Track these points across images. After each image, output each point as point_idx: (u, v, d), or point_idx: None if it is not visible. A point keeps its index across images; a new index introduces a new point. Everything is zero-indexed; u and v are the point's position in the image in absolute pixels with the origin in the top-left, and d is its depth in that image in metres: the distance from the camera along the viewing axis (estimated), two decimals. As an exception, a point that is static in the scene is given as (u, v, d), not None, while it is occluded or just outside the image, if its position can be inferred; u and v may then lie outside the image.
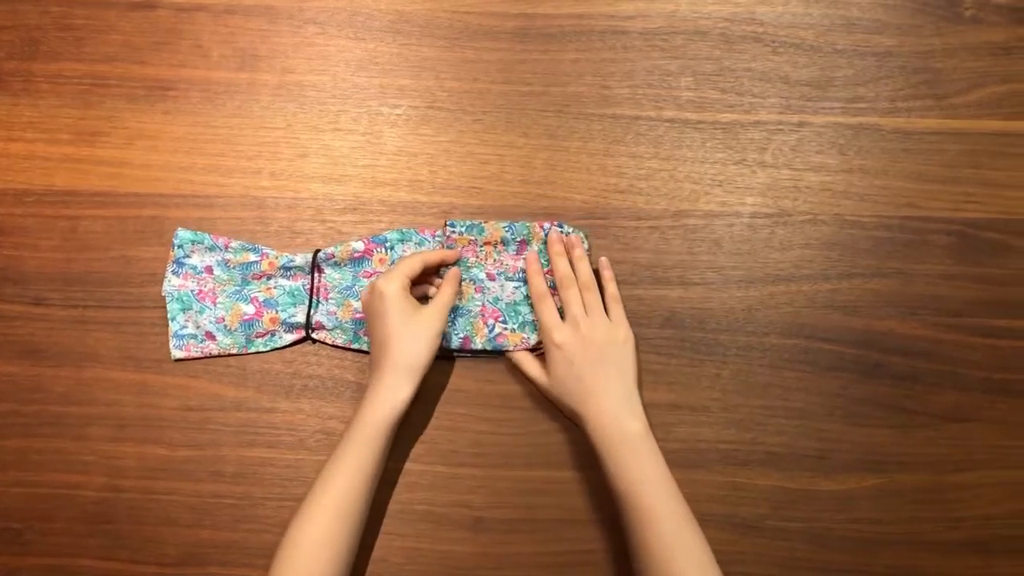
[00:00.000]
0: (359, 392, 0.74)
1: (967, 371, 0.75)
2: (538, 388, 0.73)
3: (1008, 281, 0.76)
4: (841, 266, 0.77)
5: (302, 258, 0.75)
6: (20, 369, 0.75)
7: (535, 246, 0.76)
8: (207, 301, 0.74)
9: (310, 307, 0.75)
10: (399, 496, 0.72)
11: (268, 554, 0.71)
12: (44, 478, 0.73)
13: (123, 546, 0.72)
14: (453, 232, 0.75)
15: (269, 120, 0.79)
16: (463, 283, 0.75)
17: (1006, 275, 0.77)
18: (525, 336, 0.75)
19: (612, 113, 0.79)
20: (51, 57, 0.79)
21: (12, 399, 0.74)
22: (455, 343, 0.74)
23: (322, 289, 0.75)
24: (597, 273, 0.75)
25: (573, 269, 0.74)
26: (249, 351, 0.75)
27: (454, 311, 0.75)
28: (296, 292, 0.75)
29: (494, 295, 0.75)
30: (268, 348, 0.75)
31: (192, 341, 0.74)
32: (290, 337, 0.75)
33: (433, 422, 0.74)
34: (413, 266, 0.71)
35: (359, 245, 0.75)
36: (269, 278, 0.75)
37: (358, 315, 0.75)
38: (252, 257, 0.75)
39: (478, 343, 0.74)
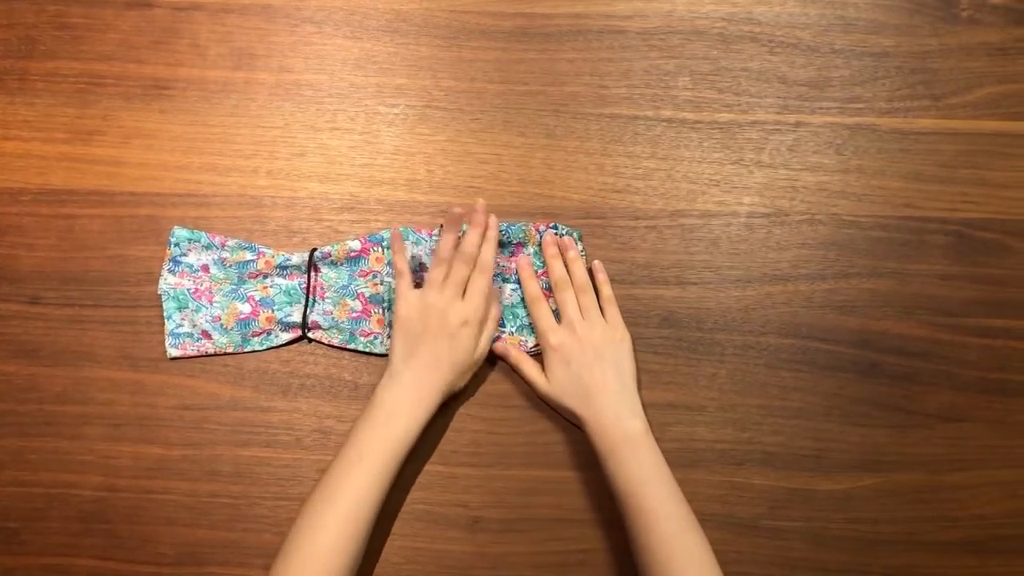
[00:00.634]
0: (356, 391, 0.74)
1: (964, 371, 0.75)
2: (536, 391, 0.73)
3: (1005, 281, 0.77)
4: (838, 266, 0.77)
5: (298, 257, 0.75)
6: (16, 368, 0.75)
7: (530, 248, 0.76)
8: (203, 300, 0.74)
9: (306, 306, 0.74)
10: (397, 495, 0.72)
11: (265, 553, 0.71)
12: (40, 477, 0.73)
13: (120, 546, 0.72)
14: (448, 234, 0.76)
15: (266, 119, 0.78)
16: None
17: (1003, 275, 0.77)
18: (523, 339, 0.75)
19: (609, 113, 0.79)
20: (47, 56, 0.79)
21: (8, 398, 0.74)
22: None
23: (318, 288, 0.75)
24: (592, 275, 0.75)
25: (568, 271, 0.74)
26: (245, 350, 0.75)
27: None
28: (292, 291, 0.75)
29: (491, 295, 0.75)
30: (264, 347, 0.75)
31: (188, 340, 0.74)
32: (286, 336, 0.75)
33: (431, 422, 0.74)
34: (488, 287, 0.71)
35: (356, 244, 0.75)
36: (265, 277, 0.75)
37: (354, 315, 0.75)
38: (249, 256, 0.75)
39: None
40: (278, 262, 0.75)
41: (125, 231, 0.76)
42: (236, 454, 0.73)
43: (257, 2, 0.81)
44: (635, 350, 0.73)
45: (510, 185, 0.78)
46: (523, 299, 0.75)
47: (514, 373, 0.74)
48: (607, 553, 0.71)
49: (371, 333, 0.74)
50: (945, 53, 0.80)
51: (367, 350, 0.74)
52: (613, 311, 0.73)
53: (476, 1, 0.81)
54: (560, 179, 0.78)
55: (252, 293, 0.75)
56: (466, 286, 0.71)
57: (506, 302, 0.75)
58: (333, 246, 0.75)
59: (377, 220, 0.77)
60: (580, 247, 0.76)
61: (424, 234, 0.76)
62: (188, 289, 0.74)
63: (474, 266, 0.71)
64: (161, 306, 0.74)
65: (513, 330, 0.75)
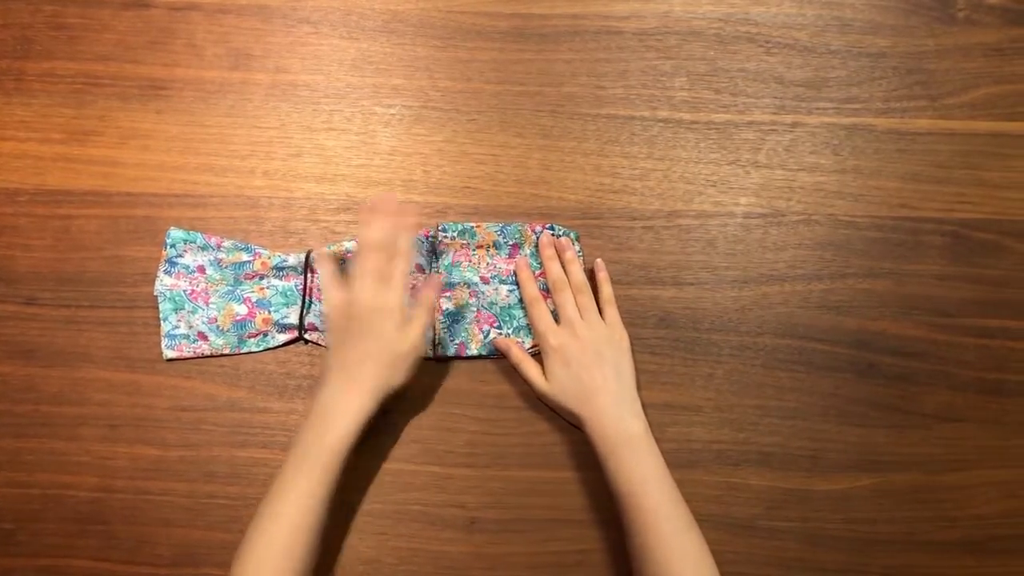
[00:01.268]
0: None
1: (961, 371, 0.75)
2: (536, 392, 0.73)
3: (1001, 281, 0.77)
4: (835, 266, 0.77)
5: (295, 258, 0.75)
6: (12, 369, 0.74)
7: (527, 249, 0.76)
8: (199, 301, 0.74)
9: (303, 308, 0.74)
10: (393, 496, 0.72)
11: (261, 555, 0.71)
12: (36, 478, 0.73)
13: (116, 547, 0.72)
14: (445, 236, 0.75)
15: (262, 120, 0.78)
16: (457, 288, 0.75)
17: (999, 275, 0.77)
18: (520, 340, 0.75)
19: (606, 113, 0.79)
20: (44, 56, 0.79)
21: (4, 399, 0.74)
22: (451, 350, 0.74)
23: (315, 290, 0.75)
24: (592, 275, 0.75)
25: (565, 272, 0.74)
26: (242, 351, 0.74)
27: (449, 317, 0.75)
28: (289, 292, 0.75)
29: (488, 299, 0.75)
30: (260, 348, 0.74)
31: (184, 341, 0.74)
32: (283, 338, 0.74)
33: (427, 422, 0.74)
34: (406, 276, 0.69)
35: (352, 245, 0.75)
36: (262, 278, 0.75)
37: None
38: (245, 257, 0.75)
39: (473, 349, 0.74)
40: (274, 263, 0.75)
41: (121, 232, 0.76)
42: (233, 455, 0.73)
43: (254, 2, 0.80)
44: (633, 351, 0.73)
45: (507, 186, 0.78)
46: (520, 300, 0.75)
47: (511, 374, 0.74)
48: (604, 553, 0.71)
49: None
50: (942, 54, 0.80)
51: (364, 351, 0.74)
52: (612, 311, 0.73)
53: (472, 1, 0.81)
54: (557, 179, 0.78)
55: (248, 295, 0.75)
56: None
57: (503, 303, 0.75)
58: (329, 247, 0.75)
59: (374, 221, 0.77)
60: (577, 247, 0.76)
61: (420, 235, 0.76)
62: (184, 291, 0.74)
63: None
64: (157, 307, 0.74)
65: (510, 331, 0.75)
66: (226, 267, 0.75)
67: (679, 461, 0.73)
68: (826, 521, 0.73)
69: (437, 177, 0.78)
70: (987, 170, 0.78)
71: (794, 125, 0.79)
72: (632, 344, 0.73)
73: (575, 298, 0.73)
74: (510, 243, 0.76)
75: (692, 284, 0.76)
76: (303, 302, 0.74)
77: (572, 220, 0.77)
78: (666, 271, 0.76)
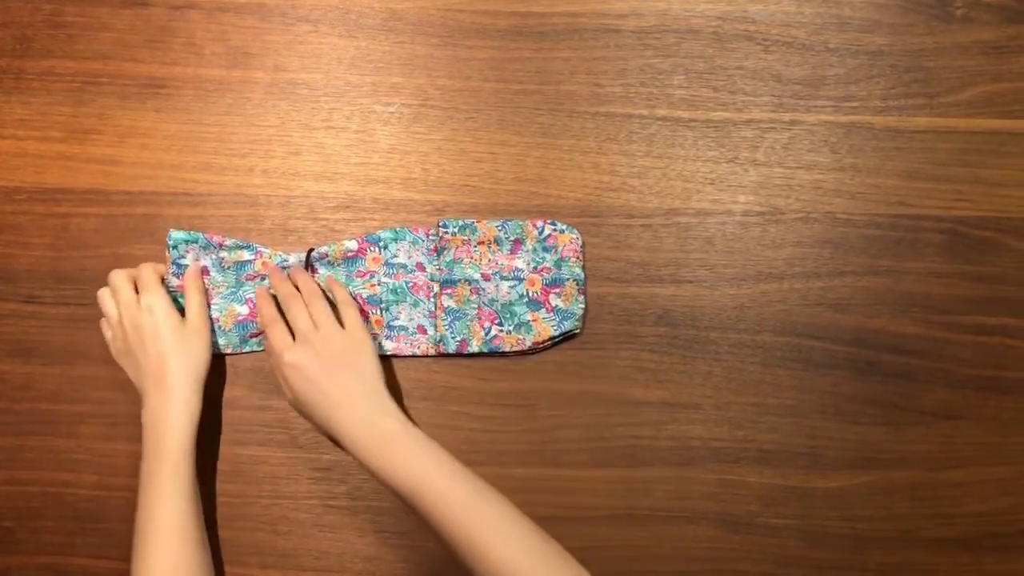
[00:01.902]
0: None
1: (958, 368, 0.75)
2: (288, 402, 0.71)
3: (999, 279, 0.77)
4: (833, 264, 0.77)
5: (295, 257, 0.75)
6: (11, 367, 0.75)
7: (529, 244, 0.76)
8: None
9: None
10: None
11: (261, 552, 0.71)
12: (36, 476, 0.73)
13: (115, 544, 0.72)
14: (446, 232, 0.75)
15: (261, 118, 0.78)
16: (459, 285, 0.75)
17: (997, 273, 0.77)
18: (521, 337, 0.75)
19: (605, 111, 0.79)
20: (43, 54, 0.79)
21: (4, 397, 0.74)
22: (452, 347, 0.74)
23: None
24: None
25: (296, 285, 0.72)
26: (244, 351, 0.75)
27: (451, 314, 0.75)
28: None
29: (489, 296, 0.75)
30: (262, 348, 0.75)
31: None
32: None
33: (426, 420, 0.74)
34: (159, 274, 0.72)
35: (353, 244, 0.75)
36: (263, 279, 0.75)
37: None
38: (246, 255, 0.75)
39: (475, 346, 0.75)
40: (275, 262, 0.75)
41: (121, 230, 0.76)
42: (232, 453, 0.73)
43: (252, 1, 0.80)
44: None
45: (506, 184, 0.78)
46: (522, 296, 0.75)
47: (509, 371, 0.75)
48: (603, 551, 0.71)
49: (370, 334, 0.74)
50: (940, 51, 0.80)
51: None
52: (351, 313, 0.70)
53: (471, 0, 0.81)
54: (556, 178, 0.78)
55: (250, 295, 0.75)
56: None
57: (503, 300, 0.75)
58: (330, 246, 0.75)
59: (373, 219, 0.77)
60: (580, 243, 0.76)
61: (420, 234, 0.76)
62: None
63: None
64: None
65: (511, 329, 0.75)
66: (228, 268, 0.75)
67: (677, 459, 0.73)
68: (824, 518, 0.73)
69: (436, 175, 0.78)
70: (985, 168, 0.78)
71: (792, 123, 0.79)
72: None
73: (308, 309, 0.70)
74: (512, 238, 0.76)
75: (690, 282, 0.76)
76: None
77: (571, 218, 0.77)
78: (664, 269, 0.76)
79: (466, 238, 0.76)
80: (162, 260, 0.75)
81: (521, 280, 0.76)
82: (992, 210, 0.78)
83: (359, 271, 0.75)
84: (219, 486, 0.72)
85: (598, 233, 0.77)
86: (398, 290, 0.75)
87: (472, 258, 0.76)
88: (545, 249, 0.76)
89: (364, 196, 0.77)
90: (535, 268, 0.76)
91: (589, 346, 0.75)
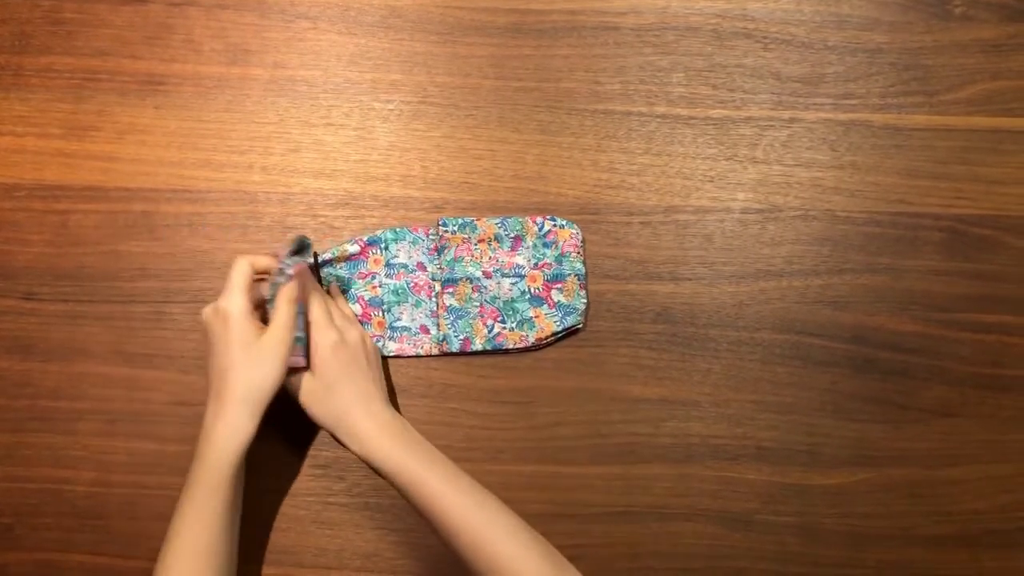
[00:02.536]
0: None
1: (957, 366, 0.75)
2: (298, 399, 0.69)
3: (998, 277, 0.77)
4: (832, 262, 0.77)
5: (300, 258, 0.74)
6: (10, 364, 0.74)
7: (529, 241, 0.76)
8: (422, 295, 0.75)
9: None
10: (391, 490, 0.72)
11: (260, 549, 0.71)
12: (34, 473, 0.73)
13: (113, 541, 0.72)
14: (446, 231, 0.75)
15: (261, 115, 0.78)
16: (460, 283, 0.75)
17: (996, 271, 0.77)
18: (524, 334, 0.75)
19: (604, 109, 0.79)
20: (42, 51, 0.79)
21: (2, 394, 0.74)
22: (455, 345, 0.74)
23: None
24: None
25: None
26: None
27: (453, 313, 0.75)
28: (400, 291, 0.75)
29: (491, 293, 0.75)
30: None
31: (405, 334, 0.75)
32: (393, 347, 0.75)
33: (425, 417, 0.74)
34: (247, 275, 0.66)
35: (354, 248, 0.75)
36: (374, 276, 0.75)
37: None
38: (350, 249, 0.75)
39: (478, 344, 0.75)
40: (386, 260, 0.75)
41: (119, 227, 0.76)
42: (230, 449, 0.73)
43: (252, -2, 0.81)
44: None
45: (505, 181, 0.78)
46: (523, 292, 0.75)
47: (508, 369, 0.75)
48: (601, 548, 0.71)
49: (372, 336, 0.74)
50: (939, 49, 0.80)
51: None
52: (342, 305, 0.71)
53: (471, -3, 0.81)
54: (555, 175, 0.78)
55: (361, 293, 0.75)
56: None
57: (505, 297, 0.75)
58: (333, 251, 0.74)
59: (372, 216, 0.77)
60: (580, 238, 0.76)
61: (420, 233, 0.76)
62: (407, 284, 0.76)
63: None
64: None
65: (514, 326, 0.75)
66: (340, 266, 0.75)
67: (676, 456, 0.73)
68: (823, 515, 0.73)
69: (435, 172, 0.78)
70: (984, 166, 0.78)
71: (791, 121, 0.79)
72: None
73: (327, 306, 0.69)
74: (512, 235, 0.76)
75: (689, 279, 0.76)
76: None
77: (570, 215, 0.77)
78: (663, 266, 0.76)
79: (466, 236, 0.76)
80: (161, 258, 0.75)
81: (522, 277, 0.76)
82: (991, 208, 0.78)
83: (361, 273, 0.75)
84: (218, 483, 0.72)
85: (597, 230, 0.77)
86: (399, 291, 0.76)
87: (473, 256, 0.76)
88: (546, 245, 0.76)
89: (363, 193, 0.77)
90: (536, 264, 0.76)
91: (588, 343, 0.75)
